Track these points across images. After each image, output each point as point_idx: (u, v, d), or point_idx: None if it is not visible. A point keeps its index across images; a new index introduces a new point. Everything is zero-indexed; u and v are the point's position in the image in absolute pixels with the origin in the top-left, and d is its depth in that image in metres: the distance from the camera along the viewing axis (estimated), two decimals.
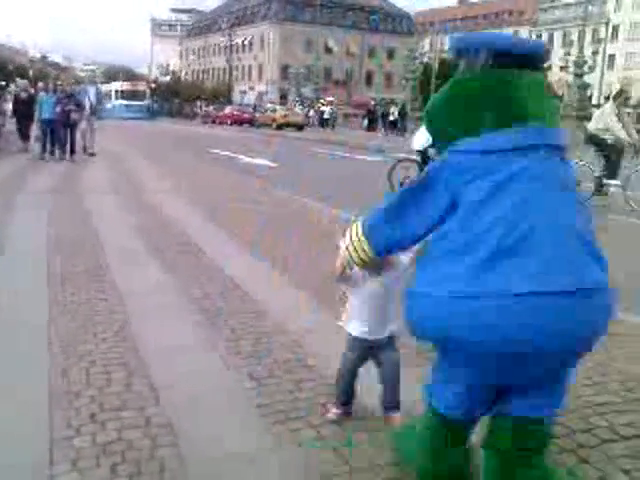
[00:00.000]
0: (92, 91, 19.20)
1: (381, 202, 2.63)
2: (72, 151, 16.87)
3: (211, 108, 61.11)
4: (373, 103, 40.72)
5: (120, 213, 9.29)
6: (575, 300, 2.22)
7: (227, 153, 21.66)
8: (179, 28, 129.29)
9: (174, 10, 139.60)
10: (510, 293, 2.18)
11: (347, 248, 2.70)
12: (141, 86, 66.79)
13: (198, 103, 68.45)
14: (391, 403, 3.22)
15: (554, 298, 2.19)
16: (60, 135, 16.65)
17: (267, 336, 4.38)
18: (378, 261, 2.80)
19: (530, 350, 2.22)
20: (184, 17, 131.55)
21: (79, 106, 16.99)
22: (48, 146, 16.89)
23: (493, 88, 2.43)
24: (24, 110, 17.79)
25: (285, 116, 48.56)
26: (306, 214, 9.44)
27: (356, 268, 2.94)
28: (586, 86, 34.73)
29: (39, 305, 4.94)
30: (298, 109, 53.62)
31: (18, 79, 20.84)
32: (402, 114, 44.19)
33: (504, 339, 2.20)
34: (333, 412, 3.27)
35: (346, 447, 2.99)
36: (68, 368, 3.79)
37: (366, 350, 3.18)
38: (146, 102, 61.26)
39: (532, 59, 2.49)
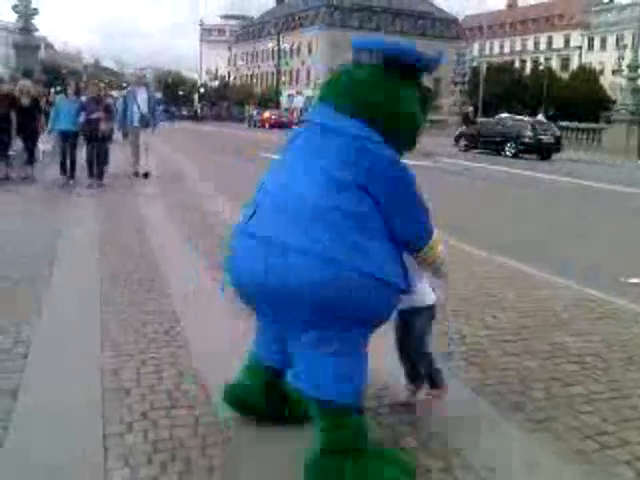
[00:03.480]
0: (142, 96, 13.71)
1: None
2: (100, 174, 12.37)
3: (255, 113, 62.05)
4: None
5: (165, 213, 9.43)
6: (262, 247, 2.61)
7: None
8: (228, 33, 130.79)
9: (224, 17, 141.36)
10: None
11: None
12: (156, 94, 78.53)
13: (246, 107, 69.22)
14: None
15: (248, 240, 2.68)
16: (92, 154, 12.27)
17: None
18: None
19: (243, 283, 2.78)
20: (233, 23, 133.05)
21: (109, 113, 12.45)
22: (68, 168, 12.49)
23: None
24: (26, 121, 12.51)
25: None
26: None
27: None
28: None
29: (92, 306, 5.05)
30: None
31: (21, 81, 14.60)
32: None
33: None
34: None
35: None
36: (119, 368, 3.87)
37: None
38: (160, 107, 67.91)
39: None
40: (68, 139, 12.33)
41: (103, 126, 12.07)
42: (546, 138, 27.98)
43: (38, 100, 13.19)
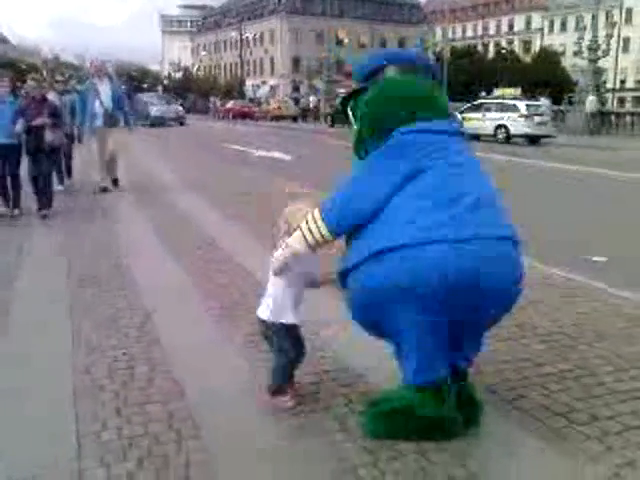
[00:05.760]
0: (105, 89, 11.10)
1: (339, 182, 2.97)
2: (47, 200, 8.89)
3: (219, 104, 61.71)
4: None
5: (132, 208, 9.35)
6: (509, 246, 2.82)
7: (237, 147, 21.66)
8: (189, 24, 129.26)
9: (183, 6, 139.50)
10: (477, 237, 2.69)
11: (303, 232, 2.95)
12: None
13: (211, 98, 68.52)
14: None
15: (496, 242, 2.75)
16: (36, 171, 8.84)
17: None
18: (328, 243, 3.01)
19: (492, 284, 2.73)
20: (194, 13, 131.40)
21: (56, 118, 9.13)
22: (11, 193, 8.89)
23: (421, 90, 3.05)
24: None
25: (278, 108, 49.41)
26: None
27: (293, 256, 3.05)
28: (601, 71, 34.37)
29: (61, 303, 5.00)
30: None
31: None
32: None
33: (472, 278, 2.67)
34: (288, 400, 3.32)
35: (370, 438, 3.01)
36: (91, 364, 3.84)
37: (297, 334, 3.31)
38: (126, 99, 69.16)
39: (425, 67, 3.23)
40: (6, 156, 8.65)
41: (49, 136, 8.82)
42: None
43: None
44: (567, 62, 68.61)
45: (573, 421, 3.20)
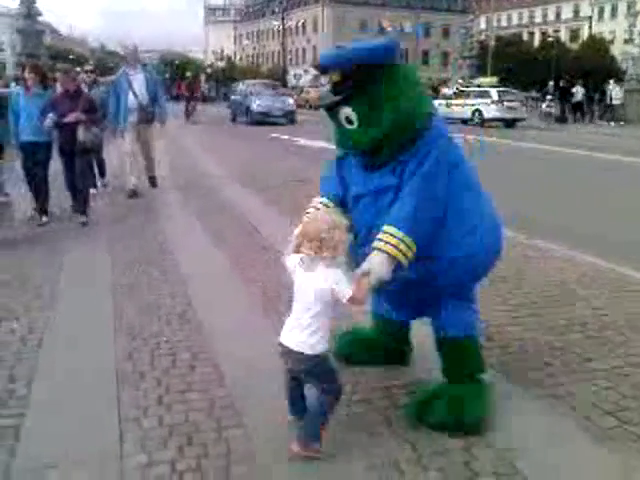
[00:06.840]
0: (138, 80, 9.57)
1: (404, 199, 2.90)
2: (82, 204, 7.69)
3: None
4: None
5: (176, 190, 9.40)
6: None
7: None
8: (233, 13, 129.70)
9: None
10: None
11: (394, 256, 2.78)
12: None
13: None
14: None
15: None
16: (71, 175, 7.72)
17: None
18: None
19: None
20: (237, 2, 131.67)
21: (92, 114, 7.63)
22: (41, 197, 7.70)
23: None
24: None
25: (318, 98, 49.67)
26: None
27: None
28: None
29: (104, 291, 5.04)
30: None
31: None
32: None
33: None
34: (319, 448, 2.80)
35: (412, 431, 2.95)
36: (134, 350, 3.85)
37: None
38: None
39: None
40: (35, 155, 7.53)
41: (82, 135, 7.42)
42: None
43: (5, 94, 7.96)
44: (616, 50, 66.90)
45: (623, 420, 3.10)
